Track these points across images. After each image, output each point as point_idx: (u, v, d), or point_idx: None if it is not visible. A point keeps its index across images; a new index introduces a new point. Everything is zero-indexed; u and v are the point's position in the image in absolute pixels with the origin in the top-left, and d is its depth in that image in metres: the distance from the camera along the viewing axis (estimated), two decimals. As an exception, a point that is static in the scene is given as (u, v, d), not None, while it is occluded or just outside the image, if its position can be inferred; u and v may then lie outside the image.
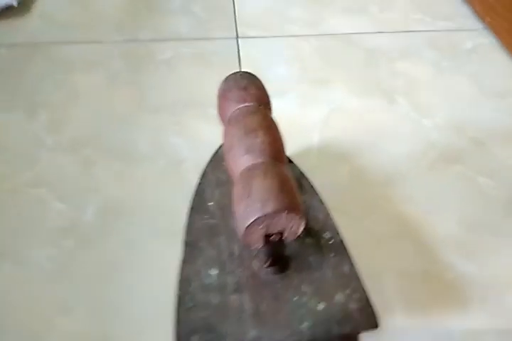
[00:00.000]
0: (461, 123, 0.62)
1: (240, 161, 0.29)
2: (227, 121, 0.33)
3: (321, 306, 0.32)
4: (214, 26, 0.79)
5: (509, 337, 0.41)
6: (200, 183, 0.42)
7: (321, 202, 0.40)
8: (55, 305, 0.43)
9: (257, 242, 0.27)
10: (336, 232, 0.37)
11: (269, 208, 0.25)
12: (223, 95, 0.35)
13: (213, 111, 0.37)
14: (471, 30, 0.79)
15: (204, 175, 0.43)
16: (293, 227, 0.27)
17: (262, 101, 0.34)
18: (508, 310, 0.43)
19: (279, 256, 0.33)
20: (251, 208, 0.26)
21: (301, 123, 0.62)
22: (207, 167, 0.44)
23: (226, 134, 0.32)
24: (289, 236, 0.28)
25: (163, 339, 0.33)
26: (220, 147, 0.43)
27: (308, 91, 0.67)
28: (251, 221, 0.26)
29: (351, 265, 0.35)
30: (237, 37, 0.77)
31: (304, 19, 0.81)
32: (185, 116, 0.62)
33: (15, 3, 0.77)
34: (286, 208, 0.26)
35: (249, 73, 0.37)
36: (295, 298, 0.32)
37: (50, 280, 0.45)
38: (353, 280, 0.33)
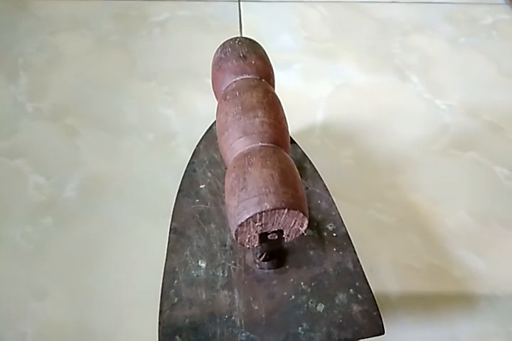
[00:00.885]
0: (477, 105, 0.59)
1: (235, 145, 0.25)
2: (221, 95, 0.29)
3: (320, 307, 0.29)
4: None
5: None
6: (190, 163, 0.39)
7: (325, 188, 0.37)
8: (30, 289, 0.41)
9: (252, 241, 0.24)
10: (340, 224, 0.34)
11: (268, 204, 0.22)
12: (218, 65, 0.30)
13: (210, 82, 0.33)
14: (492, 5, 0.75)
15: (196, 154, 0.39)
16: (294, 226, 0.23)
17: (263, 73, 0.30)
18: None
19: (275, 250, 0.30)
20: (246, 203, 0.22)
21: (305, 98, 0.58)
22: (199, 144, 0.40)
23: (220, 112, 0.28)
24: (289, 235, 0.24)
25: (147, 330, 0.31)
26: (215, 122, 0.39)
27: (314, 63, 0.63)
28: (245, 218, 0.22)
29: (356, 261, 0.32)
30: (239, 0, 0.72)
31: (313, -17, 0.76)
32: (179, 85, 0.59)
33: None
34: (287, 205, 0.22)
35: (250, 39, 0.32)
36: (292, 297, 0.30)
37: (24, 261, 0.42)
38: (357, 278, 0.31)
